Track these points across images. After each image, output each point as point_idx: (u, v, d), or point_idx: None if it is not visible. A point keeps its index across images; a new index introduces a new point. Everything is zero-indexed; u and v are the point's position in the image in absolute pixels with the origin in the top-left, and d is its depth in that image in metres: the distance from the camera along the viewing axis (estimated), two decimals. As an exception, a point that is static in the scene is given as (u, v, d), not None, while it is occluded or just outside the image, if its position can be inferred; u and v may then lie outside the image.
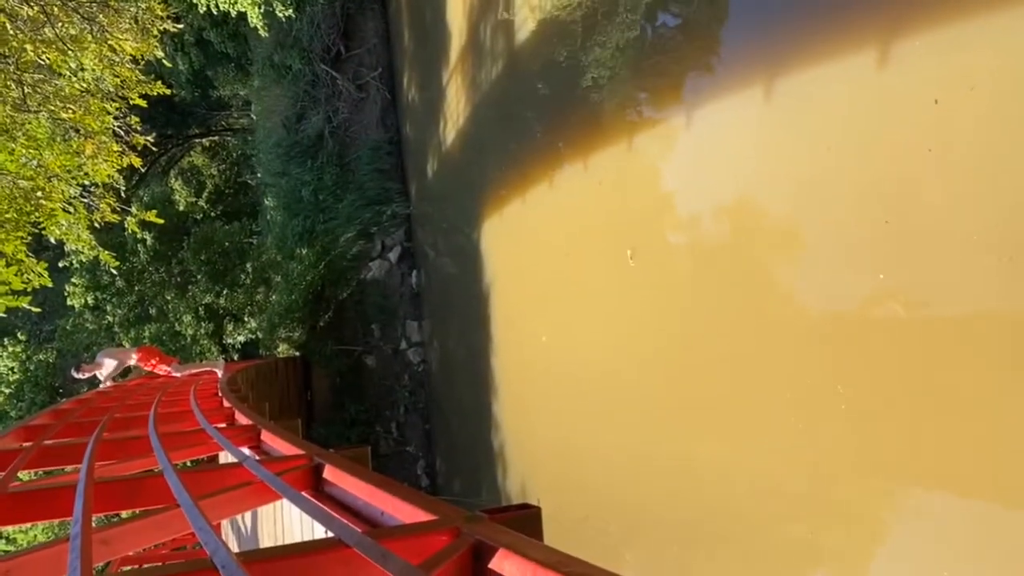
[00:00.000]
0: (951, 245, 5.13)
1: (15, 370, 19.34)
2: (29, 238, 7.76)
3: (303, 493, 3.03)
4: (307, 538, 3.91)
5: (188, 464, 8.01)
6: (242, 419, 6.03)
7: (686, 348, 8.12)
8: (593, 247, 9.95)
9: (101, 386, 10.99)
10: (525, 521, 2.36)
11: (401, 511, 2.56)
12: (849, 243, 5.96)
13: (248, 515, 7.10)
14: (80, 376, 11.00)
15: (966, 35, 4.99)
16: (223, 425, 6.03)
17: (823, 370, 6.31)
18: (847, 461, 6.14)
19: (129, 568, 10.41)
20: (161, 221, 9.12)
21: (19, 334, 20.47)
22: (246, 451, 4.64)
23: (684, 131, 7.99)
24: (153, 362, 11.29)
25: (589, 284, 10.16)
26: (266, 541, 5.99)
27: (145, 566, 9.35)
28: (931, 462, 5.45)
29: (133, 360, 11.27)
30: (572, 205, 10.64)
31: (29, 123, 7.19)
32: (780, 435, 6.80)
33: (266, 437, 4.95)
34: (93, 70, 7.75)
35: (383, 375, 18.42)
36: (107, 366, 10.92)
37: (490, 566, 1.92)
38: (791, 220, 6.68)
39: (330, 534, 2.14)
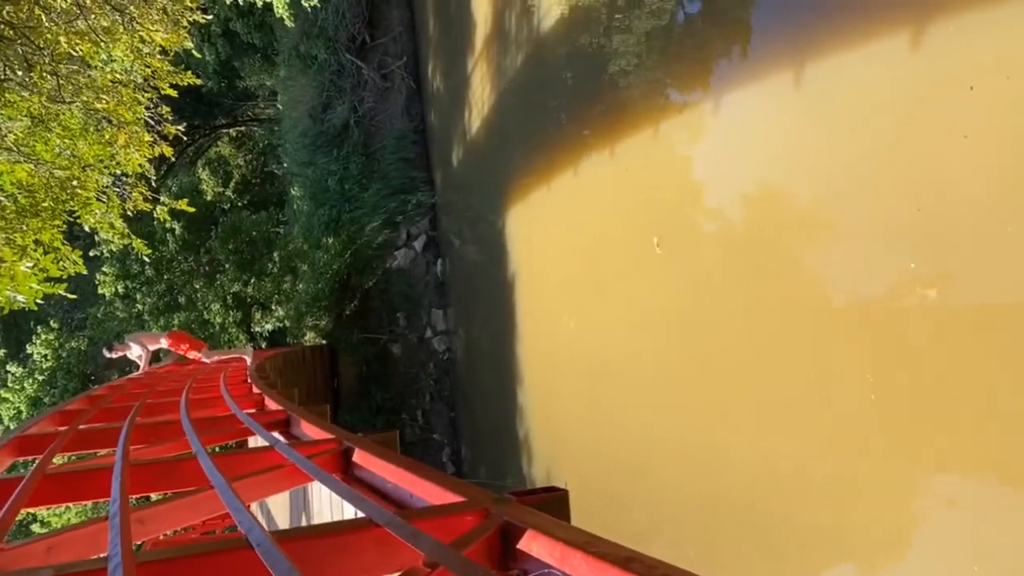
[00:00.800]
0: (984, 234, 5.06)
1: (48, 357, 19.70)
2: (64, 227, 7.90)
3: (333, 475, 3.08)
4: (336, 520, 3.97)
5: (217, 449, 8.14)
6: (272, 404, 6.12)
7: (712, 336, 8.08)
8: (619, 235, 9.92)
9: (138, 371, 11.26)
10: (552, 503, 2.38)
11: (430, 493, 2.59)
12: (880, 231, 5.89)
13: (278, 499, 7.20)
14: (111, 356, 11.31)
15: (1002, 18, 4.90)
16: (253, 411, 6.11)
17: (852, 358, 6.26)
18: (877, 449, 6.09)
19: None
20: (192, 209, 9.24)
21: (52, 322, 20.84)
22: (276, 435, 4.71)
23: (712, 117, 7.93)
24: (184, 347, 11.48)
25: (614, 272, 10.14)
26: (296, 524, 6.07)
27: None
28: (963, 452, 5.40)
29: (163, 344, 11.48)
30: (598, 193, 10.61)
31: (63, 114, 7.31)
32: (807, 423, 6.77)
33: (295, 422, 5.01)
34: (123, 61, 7.86)
35: (408, 363, 18.53)
36: (135, 348, 11.21)
37: (518, 546, 1.94)
38: (820, 207, 6.62)
39: (361, 515, 2.18)
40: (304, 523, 6.14)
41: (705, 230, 8.26)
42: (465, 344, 17.70)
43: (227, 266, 20.20)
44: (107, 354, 11.37)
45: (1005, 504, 5.12)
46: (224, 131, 32.04)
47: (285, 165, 24.53)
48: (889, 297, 5.86)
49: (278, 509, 7.93)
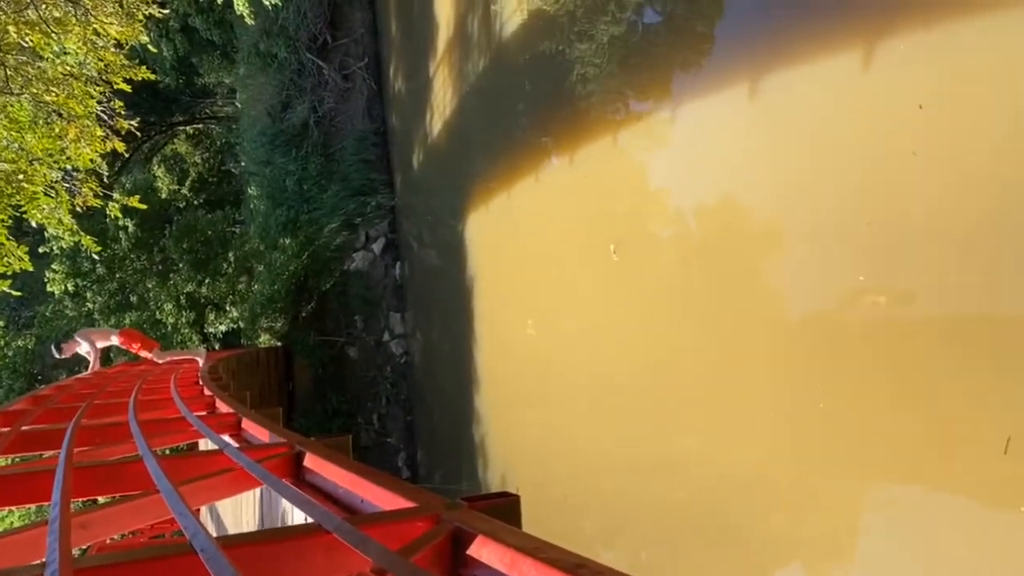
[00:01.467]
0: (933, 248, 5.19)
1: (-8, 356, 19.16)
2: (10, 221, 7.69)
3: (283, 480, 3.04)
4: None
5: (168, 452, 7.98)
6: (223, 407, 6.02)
7: (668, 343, 8.17)
8: (577, 241, 9.97)
9: (88, 369, 10.96)
10: (504, 509, 2.38)
11: (381, 499, 2.57)
12: (831, 242, 6.02)
13: (228, 503, 7.09)
14: (60, 355, 10.92)
15: (951, 39, 5.05)
16: (203, 413, 6.01)
17: (803, 365, 6.38)
18: (826, 456, 6.21)
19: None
20: (144, 207, 9.06)
21: (-3, 320, 20.27)
22: (227, 439, 4.63)
23: (669, 127, 8.03)
24: (136, 346, 11.22)
25: (572, 277, 10.20)
26: (244, 529, 5.98)
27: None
28: (909, 459, 5.53)
29: (114, 341, 11.19)
30: (557, 199, 10.66)
31: (11, 105, 7.11)
32: (759, 430, 6.87)
33: (247, 425, 4.94)
34: (76, 53, 7.67)
35: (365, 366, 18.40)
36: (84, 345, 10.87)
37: (469, 552, 1.94)
38: (774, 218, 6.74)
39: (310, 520, 2.16)
40: (256, 528, 6.04)
41: (661, 238, 8.35)
42: (423, 348, 17.63)
43: (181, 265, 19.85)
44: (56, 354, 10.99)
45: (950, 510, 5.26)
46: (181, 128, 31.50)
47: (243, 164, 24.20)
48: (838, 307, 5.98)
49: (227, 514, 7.79)
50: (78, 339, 11.01)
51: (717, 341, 7.37)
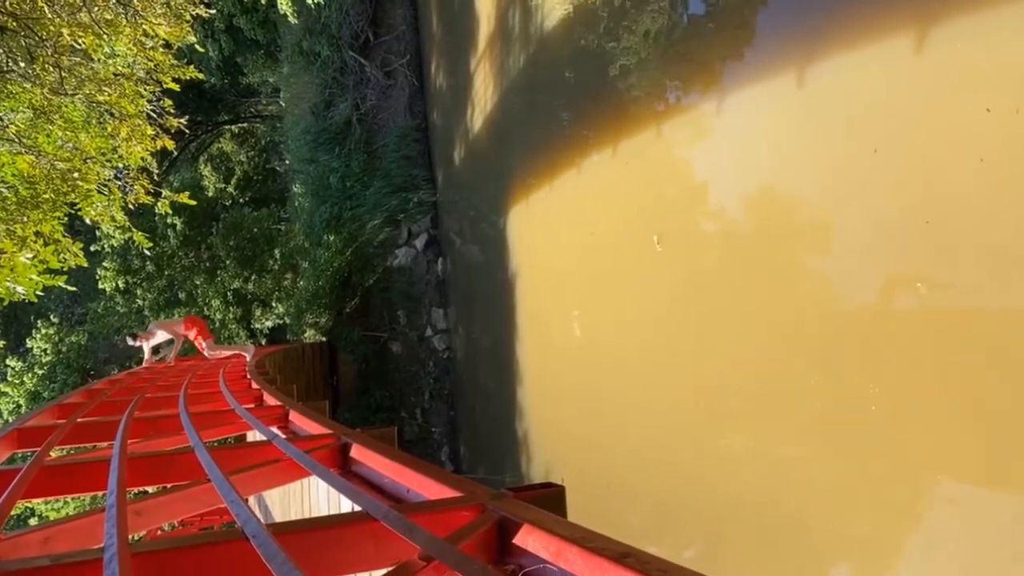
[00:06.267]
0: (989, 250, 5.03)
1: (48, 351, 19.68)
2: (65, 219, 7.90)
3: (331, 470, 3.08)
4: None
5: (216, 444, 8.12)
6: (270, 400, 6.11)
7: (713, 335, 8.07)
8: (619, 233, 9.91)
9: (144, 362, 11.34)
10: (549, 499, 2.38)
11: (427, 488, 2.58)
12: (885, 239, 5.87)
13: (276, 494, 7.20)
14: (135, 344, 11.39)
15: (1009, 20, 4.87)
16: (252, 406, 6.11)
17: (851, 361, 6.26)
18: (879, 455, 6.08)
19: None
20: (193, 203, 9.26)
21: (52, 316, 20.84)
22: (275, 430, 4.70)
23: (714, 118, 7.92)
24: (194, 332, 11.50)
25: (615, 270, 10.13)
26: (293, 518, 6.05)
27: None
28: (964, 457, 5.39)
29: (181, 329, 11.54)
30: (598, 192, 10.60)
31: (66, 106, 7.31)
32: (810, 425, 6.76)
33: (294, 417, 5.01)
34: (127, 54, 7.85)
35: (408, 361, 18.53)
36: (159, 336, 11.35)
37: (515, 541, 1.94)
38: (823, 213, 6.60)
39: (358, 509, 2.18)
40: (305, 517, 6.13)
41: (706, 230, 8.25)
42: (465, 343, 17.69)
43: (228, 262, 20.21)
44: (131, 342, 11.49)
45: (1009, 510, 5.12)
46: (226, 127, 32.04)
47: (287, 162, 24.55)
48: (887, 302, 5.84)
49: (275, 505, 7.92)
50: (153, 330, 11.44)
51: (765, 333, 7.26)
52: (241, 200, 28.49)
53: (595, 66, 10.25)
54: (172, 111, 8.59)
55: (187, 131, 8.72)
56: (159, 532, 10.68)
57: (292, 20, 16.48)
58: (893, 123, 5.74)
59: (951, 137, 5.26)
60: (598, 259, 10.69)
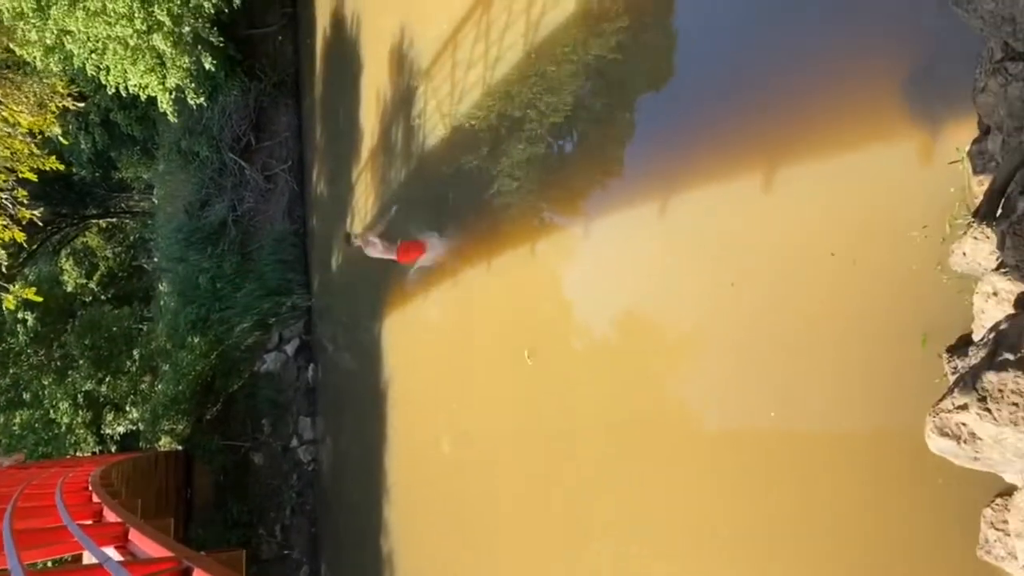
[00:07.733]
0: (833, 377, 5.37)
1: None
2: None
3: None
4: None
5: (49, 564, 7.37)
6: (110, 516, 5.66)
7: (577, 452, 8.14)
8: (492, 347, 10.00)
9: None
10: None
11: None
12: (737, 358, 6.16)
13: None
14: None
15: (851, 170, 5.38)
16: (89, 522, 5.63)
17: (708, 481, 6.42)
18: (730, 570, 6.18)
19: None
20: (39, 299, 8.71)
21: None
22: (111, 551, 4.32)
23: (583, 241, 8.26)
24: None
25: (486, 382, 10.16)
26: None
27: None
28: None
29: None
30: (474, 305, 10.73)
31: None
32: (670, 543, 6.81)
33: (134, 536, 4.65)
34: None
35: (270, 474, 17.68)
36: None
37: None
38: (682, 332, 6.91)
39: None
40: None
41: (573, 346, 8.45)
42: (332, 454, 17.07)
43: (81, 362, 19.02)
44: None
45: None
46: (94, 221, 30.75)
47: (155, 260, 23.67)
48: (742, 423, 6.08)
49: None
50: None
51: (627, 451, 7.38)
52: (103, 297, 27.15)
53: (474, 185, 10.56)
54: (25, 202, 8.17)
55: (46, 225, 8.27)
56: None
57: (172, 119, 16.25)
58: (748, 259, 6.12)
59: (800, 277, 5.67)
60: (471, 371, 10.70)
